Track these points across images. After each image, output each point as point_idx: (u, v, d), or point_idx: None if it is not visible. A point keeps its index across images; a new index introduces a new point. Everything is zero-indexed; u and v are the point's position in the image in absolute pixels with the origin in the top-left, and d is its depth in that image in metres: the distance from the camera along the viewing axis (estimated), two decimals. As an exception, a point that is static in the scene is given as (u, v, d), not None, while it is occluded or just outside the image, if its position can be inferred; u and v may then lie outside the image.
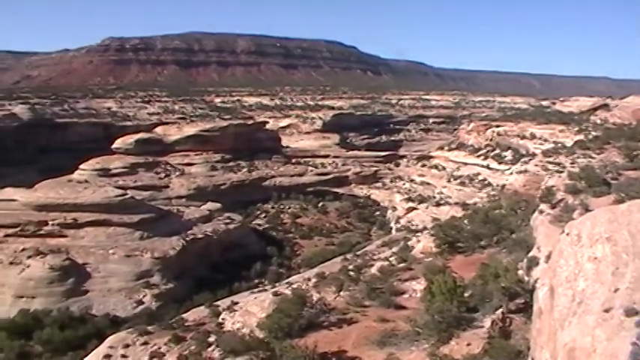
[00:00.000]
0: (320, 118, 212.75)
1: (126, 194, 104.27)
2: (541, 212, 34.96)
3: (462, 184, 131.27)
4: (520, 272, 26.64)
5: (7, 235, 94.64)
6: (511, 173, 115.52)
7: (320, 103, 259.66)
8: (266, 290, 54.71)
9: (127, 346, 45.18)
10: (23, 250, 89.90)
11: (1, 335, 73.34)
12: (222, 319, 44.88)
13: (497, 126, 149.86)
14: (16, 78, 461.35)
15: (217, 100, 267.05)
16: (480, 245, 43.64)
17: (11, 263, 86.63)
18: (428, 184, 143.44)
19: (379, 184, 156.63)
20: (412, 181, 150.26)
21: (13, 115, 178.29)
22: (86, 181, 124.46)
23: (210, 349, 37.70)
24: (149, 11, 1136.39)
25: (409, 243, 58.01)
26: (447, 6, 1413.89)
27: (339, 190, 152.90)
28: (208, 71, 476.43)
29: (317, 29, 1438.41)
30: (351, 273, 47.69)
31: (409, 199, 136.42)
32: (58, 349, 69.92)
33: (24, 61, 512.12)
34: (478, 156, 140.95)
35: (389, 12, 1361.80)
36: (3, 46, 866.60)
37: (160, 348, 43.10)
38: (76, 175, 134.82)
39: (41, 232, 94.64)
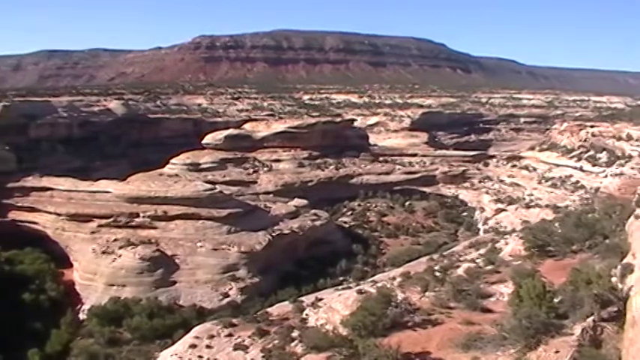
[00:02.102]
0: (408, 116, 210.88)
1: (215, 189, 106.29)
2: (637, 217, 33.79)
3: (554, 186, 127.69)
4: (613, 279, 25.80)
5: (100, 226, 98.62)
6: (606, 176, 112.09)
7: (408, 101, 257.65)
8: (350, 288, 54.83)
9: (212, 336, 46.27)
10: (115, 240, 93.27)
11: (93, 321, 76.38)
12: (306, 314, 45.32)
13: (592, 126, 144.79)
14: (111, 75, 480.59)
15: (306, 97, 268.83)
16: (572, 250, 42.47)
17: (104, 252, 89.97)
18: (518, 185, 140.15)
19: (467, 184, 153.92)
20: (501, 181, 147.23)
21: (108, 111, 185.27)
22: (176, 175, 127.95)
23: (293, 343, 38.13)
24: (239, 9, 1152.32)
25: (497, 245, 57.05)
26: (540, 2, 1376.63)
27: (427, 190, 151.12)
28: (297, 69, 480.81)
29: (406, 26, 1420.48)
30: (437, 273, 47.23)
31: (498, 200, 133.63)
32: (145, 337, 72.19)
33: (119, 59, 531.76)
34: (571, 157, 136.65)
35: (479, 8, 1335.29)
36: (100, 44, 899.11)
37: (243, 340, 43.91)
38: (167, 169, 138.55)
39: (133, 223, 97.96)
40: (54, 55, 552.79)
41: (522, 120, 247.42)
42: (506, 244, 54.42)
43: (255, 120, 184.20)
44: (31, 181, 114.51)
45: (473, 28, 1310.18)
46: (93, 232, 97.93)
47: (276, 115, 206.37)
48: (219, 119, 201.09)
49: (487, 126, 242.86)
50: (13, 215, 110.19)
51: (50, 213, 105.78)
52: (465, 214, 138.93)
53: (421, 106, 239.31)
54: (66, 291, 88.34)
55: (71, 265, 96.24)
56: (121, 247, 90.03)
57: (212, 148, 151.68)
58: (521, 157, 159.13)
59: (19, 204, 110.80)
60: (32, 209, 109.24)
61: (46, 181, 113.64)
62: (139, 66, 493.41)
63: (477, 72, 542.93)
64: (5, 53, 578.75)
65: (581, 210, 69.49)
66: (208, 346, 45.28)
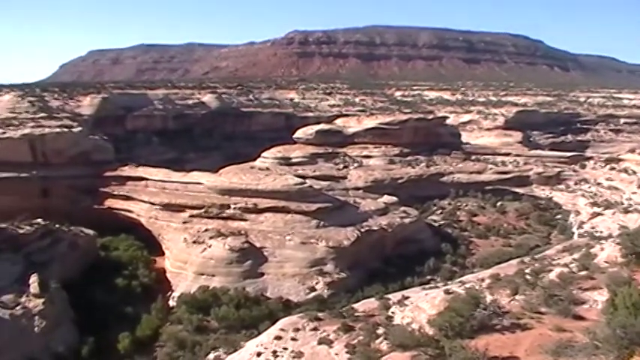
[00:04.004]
0: (502, 114, 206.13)
1: (305, 183, 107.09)
2: None
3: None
4: None
5: (192, 216, 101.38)
6: None
7: (503, 99, 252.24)
8: (438, 287, 54.36)
9: (297, 330, 46.78)
10: (206, 230, 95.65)
11: (182, 308, 78.69)
12: (392, 312, 45.19)
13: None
14: (205, 69, 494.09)
15: (398, 93, 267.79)
16: (671, 258, 40.62)
17: (195, 242, 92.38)
18: (616, 188, 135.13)
19: (562, 186, 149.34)
20: (599, 184, 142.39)
21: (202, 104, 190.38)
22: (267, 169, 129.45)
23: (378, 340, 38.07)
24: (332, 5, 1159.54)
25: (592, 250, 55.10)
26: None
27: (519, 190, 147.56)
28: (389, 65, 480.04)
29: (501, 22, 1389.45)
30: (528, 277, 46.17)
31: (594, 204, 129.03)
32: (232, 327, 73.83)
33: (213, 53, 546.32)
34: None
35: (579, 4, 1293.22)
36: (195, 38, 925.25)
37: (328, 335, 44.17)
38: (258, 162, 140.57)
39: (223, 214, 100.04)
40: (151, 50, 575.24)
41: (622, 121, 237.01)
42: (602, 249, 52.50)
43: (347, 115, 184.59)
44: (127, 171, 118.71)
45: (572, 25, 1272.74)
46: (185, 222, 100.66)
47: (367, 111, 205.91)
48: (311, 114, 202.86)
49: (585, 126, 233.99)
50: (109, 203, 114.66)
51: (144, 202, 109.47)
52: (559, 216, 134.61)
53: (516, 105, 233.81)
54: (157, 278, 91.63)
55: (163, 253, 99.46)
56: (211, 238, 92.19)
57: (303, 142, 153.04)
58: (620, 160, 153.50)
59: (115, 192, 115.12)
60: (127, 198, 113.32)
61: (141, 171, 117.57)
62: (233, 60, 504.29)
63: (576, 70, 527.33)
64: (105, 47, 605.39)
65: (683, 216, 66.47)
66: (293, 339, 45.81)
